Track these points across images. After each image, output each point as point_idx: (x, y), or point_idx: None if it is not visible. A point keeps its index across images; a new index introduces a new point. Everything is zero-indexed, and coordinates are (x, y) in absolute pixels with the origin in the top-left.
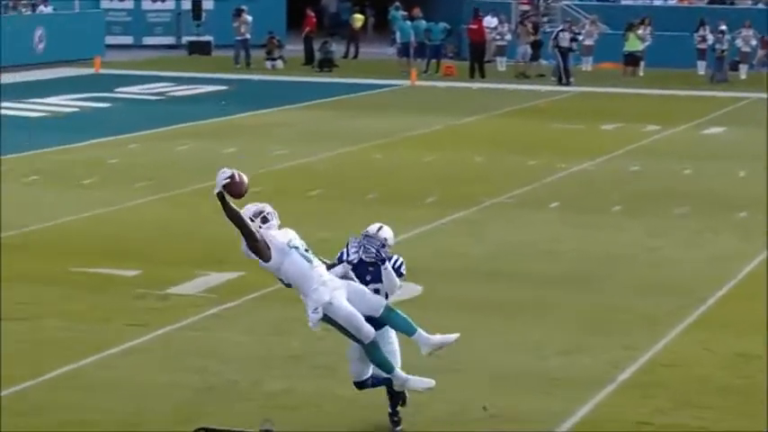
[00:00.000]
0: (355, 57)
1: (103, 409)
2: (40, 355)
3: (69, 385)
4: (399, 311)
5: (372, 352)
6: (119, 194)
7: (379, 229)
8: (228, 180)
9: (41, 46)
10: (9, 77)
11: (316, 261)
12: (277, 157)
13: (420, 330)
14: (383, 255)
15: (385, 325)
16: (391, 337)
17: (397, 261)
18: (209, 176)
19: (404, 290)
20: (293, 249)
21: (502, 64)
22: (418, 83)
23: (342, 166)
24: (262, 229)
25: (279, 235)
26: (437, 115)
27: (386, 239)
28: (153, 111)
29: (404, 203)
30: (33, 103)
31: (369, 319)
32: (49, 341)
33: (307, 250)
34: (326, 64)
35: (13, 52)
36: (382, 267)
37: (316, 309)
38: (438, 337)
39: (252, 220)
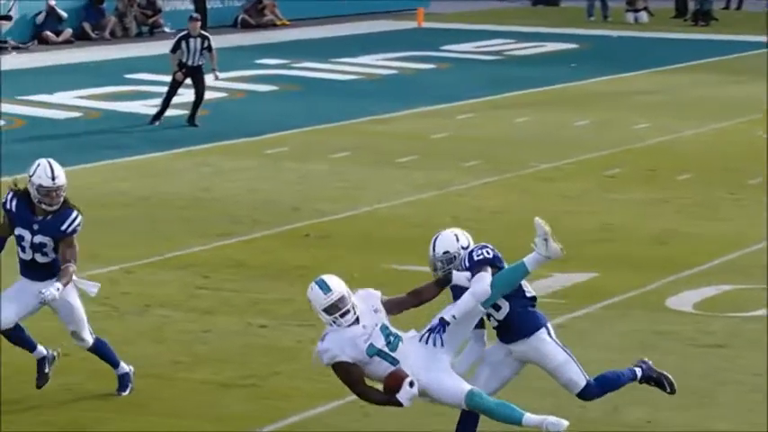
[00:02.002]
0: (739, 7)
1: None
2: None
3: (366, 410)
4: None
5: (488, 414)
6: (445, 175)
7: (435, 242)
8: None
9: None
10: (311, 32)
11: (401, 348)
12: (639, 131)
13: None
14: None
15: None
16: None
17: (471, 256)
18: (557, 155)
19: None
20: (374, 357)
21: None
22: None
23: (718, 145)
24: (332, 330)
25: (357, 338)
26: None
27: (446, 252)
28: (488, 73)
29: None
30: (342, 63)
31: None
32: None
33: (389, 341)
34: (703, 16)
35: (315, 2)
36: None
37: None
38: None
39: (327, 313)
